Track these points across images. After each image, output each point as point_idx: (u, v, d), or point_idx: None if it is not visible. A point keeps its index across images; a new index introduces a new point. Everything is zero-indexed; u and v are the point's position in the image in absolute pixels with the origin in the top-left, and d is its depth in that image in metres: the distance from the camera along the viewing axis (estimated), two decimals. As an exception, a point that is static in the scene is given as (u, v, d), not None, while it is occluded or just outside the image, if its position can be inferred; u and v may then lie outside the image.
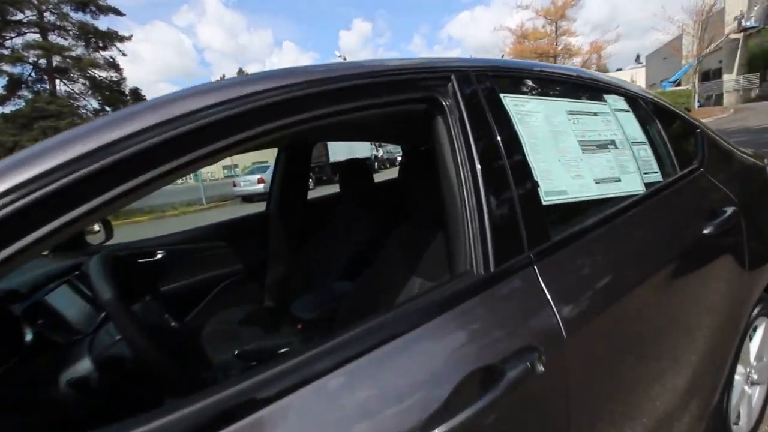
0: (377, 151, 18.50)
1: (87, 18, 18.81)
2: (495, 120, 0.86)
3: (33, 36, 17.93)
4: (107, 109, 19.17)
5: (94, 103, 19.58)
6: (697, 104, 23.77)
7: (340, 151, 14.73)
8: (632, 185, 1.07)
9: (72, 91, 19.26)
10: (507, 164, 0.83)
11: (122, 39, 19.60)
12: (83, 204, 0.50)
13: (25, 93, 18.59)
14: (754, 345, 1.44)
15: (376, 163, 17.38)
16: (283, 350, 1.50)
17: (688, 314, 1.05)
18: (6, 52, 17.38)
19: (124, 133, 0.53)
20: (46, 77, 18.63)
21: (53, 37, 18.34)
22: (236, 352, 1.27)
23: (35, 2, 17.41)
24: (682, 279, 1.04)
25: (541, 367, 0.65)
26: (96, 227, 1.89)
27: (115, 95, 19.69)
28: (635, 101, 1.28)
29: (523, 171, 0.85)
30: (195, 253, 1.98)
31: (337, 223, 1.95)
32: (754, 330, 1.44)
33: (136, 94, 20.31)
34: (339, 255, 1.78)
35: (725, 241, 1.18)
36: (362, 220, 1.79)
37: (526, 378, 0.64)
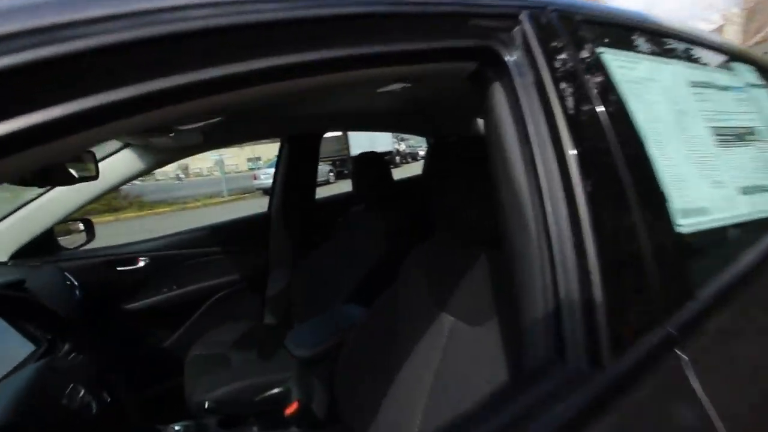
0: (398, 144, 18.11)
1: None
2: (592, 89, 0.52)
3: None
4: None
5: None
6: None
7: (361, 143, 14.42)
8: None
9: None
10: (617, 163, 0.48)
11: None
12: None
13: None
14: None
15: (397, 158, 17.01)
16: (275, 391, 1.20)
17: None
18: None
19: None
20: None
21: None
22: (206, 405, 0.98)
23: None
24: None
25: None
26: (78, 226, 1.65)
27: None
28: None
29: (642, 175, 0.50)
30: (185, 259, 1.70)
31: (349, 229, 1.63)
32: None
33: None
34: (350, 269, 1.46)
35: None
36: (379, 227, 1.47)
37: None
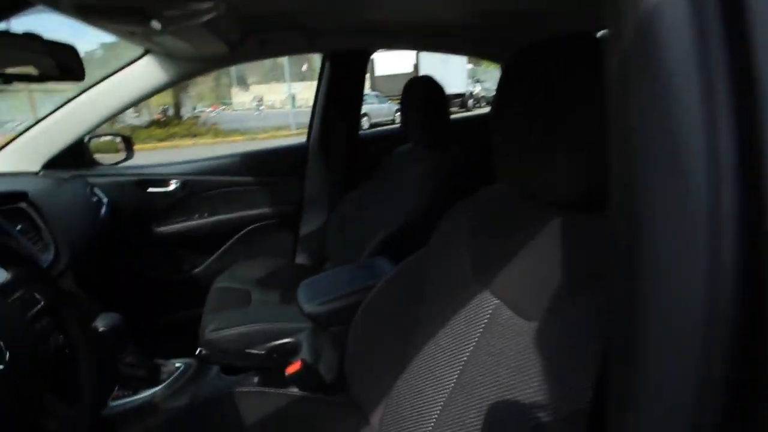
0: (474, 86, 16.75)
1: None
2: None
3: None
4: None
5: None
6: None
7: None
8: None
9: None
10: None
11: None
12: None
13: None
14: None
15: (470, 101, 15.83)
16: (282, 342, 1.07)
17: None
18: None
19: None
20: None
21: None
22: (198, 350, 0.87)
23: None
24: None
25: None
26: (117, 142, 1.60)
27: None
28: None
29: None
30: (218, 186, 1.59)
31: (393, 170, 1.38)
32: None
33: None
34: (387, 216, 1.24)
35: None
36: (426, 172, 1.20)
37: None
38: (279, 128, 13.72)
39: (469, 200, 0.76)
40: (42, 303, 0.59)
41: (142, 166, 1.52)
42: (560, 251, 0.51)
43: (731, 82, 0.23)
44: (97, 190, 1.38)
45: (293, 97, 15.61)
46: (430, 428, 0.64)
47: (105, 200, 1.39)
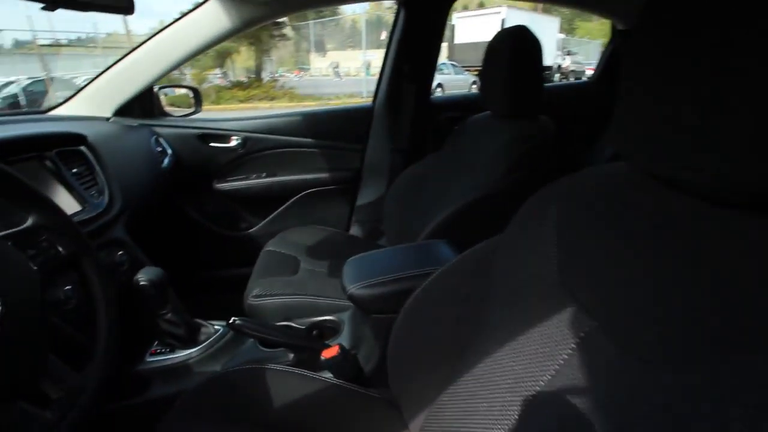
0: (563, 59, 15.20)
1: None
2: None
3: None
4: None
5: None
6: None
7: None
8: None
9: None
10: None
11: None
12: None
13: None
14: None
15: (556, 75, 14.43)
16: (322, 319, 0.99)
17: None
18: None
19: None
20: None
21: None
22: (231, 320, 0.80)
23: None
24: None
25: None
26: (188, 94, 1.60)
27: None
28: None
29: None
30: (278, 146, 1.53)
31: (467, 141, 1.19)
32: None
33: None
34: (455, 193, 1.07)
35: None
36: (507, 145, 1.01)
37: None
38: (351, 95, 13.75)
39: (563, 183, 0.57)
40: (63, 254, 0.54)
41: (206, 120, 1.50)
42: (728, 270, 0.33)
43: None
44: (162, 140, 1.39)
45: (368, 65, 15.46)
46: None
47: (169, 151, 1.39)
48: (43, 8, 0.62)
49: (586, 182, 0.53)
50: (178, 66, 1.31)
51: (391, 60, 1.42)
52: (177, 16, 1.24)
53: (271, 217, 1.56)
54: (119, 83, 1.29)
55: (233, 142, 1.49)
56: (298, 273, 1.19)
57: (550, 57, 13.18)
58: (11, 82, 10.39)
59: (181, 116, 1.52)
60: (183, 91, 1.69)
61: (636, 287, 0.40)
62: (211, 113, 1.55)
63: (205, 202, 1.51)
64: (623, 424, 0.34)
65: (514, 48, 0.97)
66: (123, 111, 1.34)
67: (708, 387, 0.30)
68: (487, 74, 1.07)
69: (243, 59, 14.71)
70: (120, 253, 0.90)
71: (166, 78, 1.39)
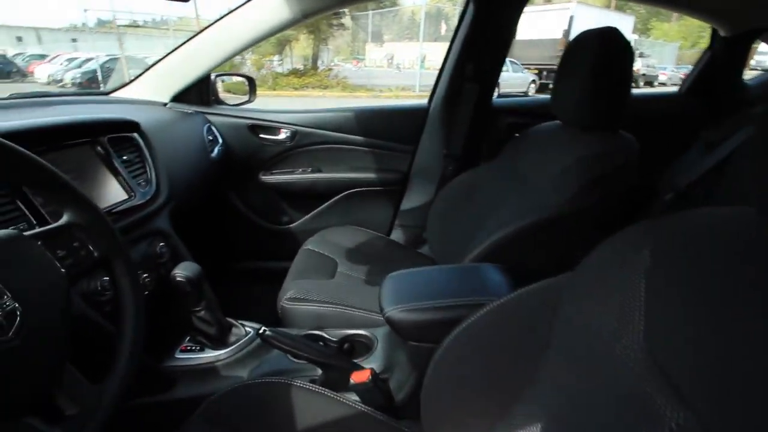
0: (635, 61, 14.10)
1: None
2: None
3: None
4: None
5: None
6: None
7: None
8: None
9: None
10: None
11: None
12: None
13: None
14: None
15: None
16: (354, 333, 0.93)
17: None
18: None
19: None
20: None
21: None
22: (262, 329, 0.76)
23: None
24: None
25: None
26: (243, 83, 1.59)
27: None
28: None
29: None
30: (326, 142, 1.49)
31: (530, 151, 1.08)
32: None
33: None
34: (511, 211, 0.97)
35: None
36: (578, 161, 0.88)
37: None
38: (403, 88, 13.62)
39: (662, 225, 0.46)
40: (95, 256, 0.52)
41: (258, 111, 1.48)
42: None
43: None
44: (214, 129, 1.39)
45: (423, 58, 15.22)
46: None
47: (220, 140, 1.39)
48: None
49: (700, 228, 0.42)
50: (237, 53, 1.29)
51: (453, 58, 1.32)
52: (241, 3, 1.22)
53: (312, 213, 1.53)
54: (180, 69, 1.30)
55: (282, 135, 1.47)
56: (334, 277, 1.15)
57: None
58: (91, 59, 11.30)
59: (234, 105, 1.52)
60: (239, 78, 1.68)
61: (757, 376, 0.29)
62: (266, 98, 1.53)
63: (249, 193, 1.50)
64: None
65: (602, 52, 0.84)
66: (180, 97, 1.35)
67: None
68: (563, 79, 0.95)
69: (301, 47, 15.00)
70: (161, 244, 0.89)
71: (226, 64, 1.39)
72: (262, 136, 1.46)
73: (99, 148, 0.83)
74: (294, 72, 14.28)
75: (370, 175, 1.49)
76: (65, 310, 0.44)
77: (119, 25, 14.49)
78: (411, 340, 0.74)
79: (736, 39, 1.59)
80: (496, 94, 1.43)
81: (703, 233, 0.41)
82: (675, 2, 1.53)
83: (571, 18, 11.89)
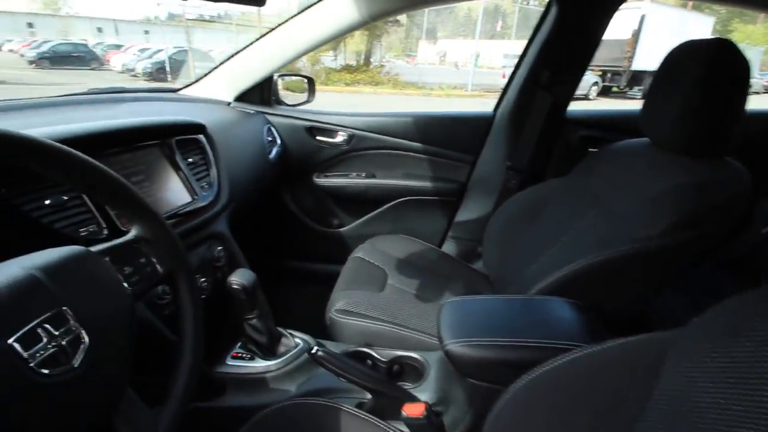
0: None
1: None
2: None
3: None
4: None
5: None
6: None
7: (654, 52, 10.89)
8: None
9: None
10: None
11: None
12: None
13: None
14: None
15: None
16: (406, 355, 0.88)
17: None
18: None
19: None
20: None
21: None
22: (314, 349, 0.73)
23: None
24: None
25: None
26: (303, 83, 1.59)
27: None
28: None
29: None
30: (382, 147, 1.45)
31: (608, 170, 0.97)
32: None
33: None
34: (584, 240, 0.87)
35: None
36: (675, 190, 0.77)
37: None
38: (455, 87, 13.37)
39: None
40: (159, 272, 0.50)
41: (316, 112, 1.47)
42: None
43: None
44: (273, 130, 1.39)
45: (477, 56, 14.82)
46: None
47: (278, 141, 1.39)
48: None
49: None
50: (304, 55, 1.28)
51: (528, 64, 1.22)
52: (308, 4, 1.20)
53: (363, 219, 1.50)
54: (246, 69, 1.31)
55: (339, 138, 1.45)
56: (384, 290, 1.10)
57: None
58: (161, 50, 12.08)
59: (293, 105, 1.51)
60: (298, 77, 1.68)
61: None
62: (317, 93, 1.52)
63: (302, 194, 1.49)
64: None
65: (713, 67, 0.73)
66: (243, 96, 1.37)
67: None
68: (659, 93, 0.84)
69: (355, 43, 15.14)
70: (219, 248, 0.89)
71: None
72: (319, 138, 1.45)
73: (166, 149, 0.84)
74: (346, 68, 14.45)
75: (426, 184, 1.43)
76: (130, 335, 0.42)
77: (187, 19, 15.35)
78: (471, 377, 0.68)
79: None
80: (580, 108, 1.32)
81: None
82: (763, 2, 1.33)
83: (643, 17, 11.04)
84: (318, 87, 1.57)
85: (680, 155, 0.81)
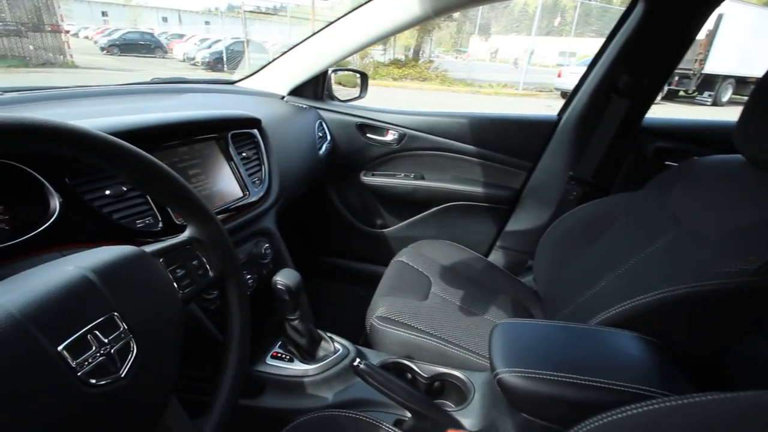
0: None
1: None
2: None
3: None
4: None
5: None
6: None
7: (729, 54, 9.92)
8: None
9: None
10: None
11: None
12: None
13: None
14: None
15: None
16: (446, 372, 0.83)
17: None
18: None
19: None
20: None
21: None
22: (356, 362, 0.70)
23: None
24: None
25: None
26: (356, 78, 1.56)
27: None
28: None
29: None
30: (433, 148, 1.39)
31: (692, 188, 0.86)
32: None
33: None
34: (660, 266, 0.78)
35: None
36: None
37: None
38: (505, 85, 12.91)
39: None
40: (210, 276, 0.49)
41: (367, 109, 1.43)
42: None
43: None
44: (324, 125, 1.37)
45: (531, 53, 14.22)
46: None
47: (329, 137, 1.37)
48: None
49: None
50: (361, 50, 1.25)
51: (604, 66, 1.11)
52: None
53: (408, 221, 1.46)
54: (301, 63, 1.30)
55: (389, 136, 1.41)
56: (427, 299, 1.06)
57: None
58: (219, 41, 12.61)
59: (345, 101, 1.49)
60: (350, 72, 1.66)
61: None
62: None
63: (348, 191, 1.47)
64: None
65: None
66: (297, 90, 1.36)
67: None
68: (761, 105, 0.72)
69: (404, 37, 15.01)
70: (266, 245, 0.88)
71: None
72: (369, 135, 1.42)
73: (222, 142, 0.84)
74: (395, 62, 14.38)
75: (476, 189, 1.36)
76: (178, 344, 0.41)
77: (245, 11, 15.89)
78: (525, 412, 0.62)
79: None
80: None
81: None
82: None
83: (720, 17, 10.07)
84: (365, 80, 1.53)
85: None
